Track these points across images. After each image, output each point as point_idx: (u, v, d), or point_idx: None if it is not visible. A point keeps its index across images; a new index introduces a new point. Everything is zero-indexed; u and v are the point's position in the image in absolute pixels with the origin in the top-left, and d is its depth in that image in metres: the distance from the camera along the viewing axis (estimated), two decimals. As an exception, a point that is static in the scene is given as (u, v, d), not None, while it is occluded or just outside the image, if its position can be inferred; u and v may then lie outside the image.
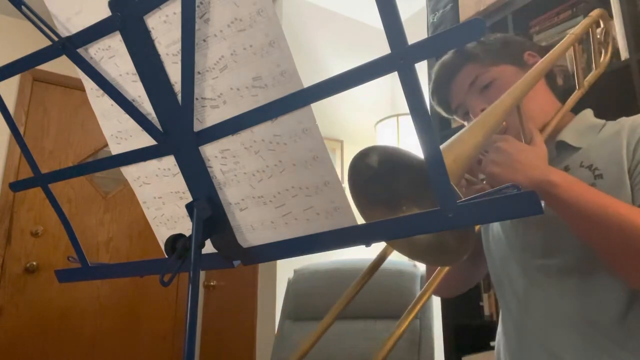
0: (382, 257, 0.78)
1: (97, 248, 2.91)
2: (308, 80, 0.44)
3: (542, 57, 0.88)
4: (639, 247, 0.65)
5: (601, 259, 0.72)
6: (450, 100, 0.93)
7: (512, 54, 0.90)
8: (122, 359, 2.81)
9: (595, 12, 1.00)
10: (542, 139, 0.77)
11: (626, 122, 0.81)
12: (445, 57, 0.94)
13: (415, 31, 1.75)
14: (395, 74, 0.40)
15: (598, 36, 1.03)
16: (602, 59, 1.04)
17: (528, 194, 0.38)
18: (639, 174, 0.74)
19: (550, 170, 0.70)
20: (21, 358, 2.59)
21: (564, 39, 0.91)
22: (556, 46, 0.87)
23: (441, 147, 0.55)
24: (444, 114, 0.97)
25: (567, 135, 0.84)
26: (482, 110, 0.82)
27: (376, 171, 0.62)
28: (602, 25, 1.05)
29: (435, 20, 1.86)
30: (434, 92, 0.96)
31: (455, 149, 0.67)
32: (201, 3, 0.46)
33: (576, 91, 0.93)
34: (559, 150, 0.85)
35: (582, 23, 0.97)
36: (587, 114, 0.90)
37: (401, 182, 0.63)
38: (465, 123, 0.93)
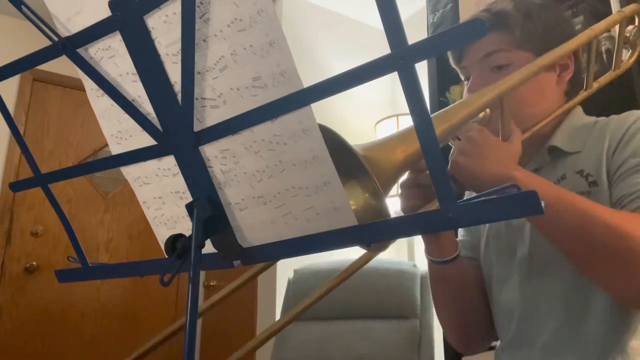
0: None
1: (97, 248, 2.91)
2: (308, 80, 0.44)
3: (575, 57, 0.83)
4: (601, 245, 0.63)
5: (571, 261, 0.70)
6: (463, 57, 0.87)
7: (547, 45, 0.80)
8: (122, 359, 2.81)
9: (630, 8, 0.90)
10: (520, 138, 0.74)
11: (612, 122, 0.78)
12: (482, 13, 0.85)
13: (415, 31, 1.75)
14: (395, 74, 0.40)
15: (627, 34, 0.93)
16: (625, 60, 0.95)
17: (528, 194, 0.38)
18: (616, 175, 0.72)
19: (514, 167, 0.68)
20: (21, 358, 2.59)
21: (579, 36, 0.82)
22: (564, 44, 0.80)
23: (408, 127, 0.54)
24: (451, 62, 0.90)
25: (558, 140, 0.81)
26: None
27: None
28: (637, 23, 0.95)
29: (435, 20, 1.86)
30: None
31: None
32: (201, 3, 0.46)
33: (582, 92, 0.86)
34: (552, 157, 0.81)
35: (609, 18, 0.87)
36: (578, 113, 0.86)
37: (345, 160, 0.62)
38: (466, 83, 0.87)
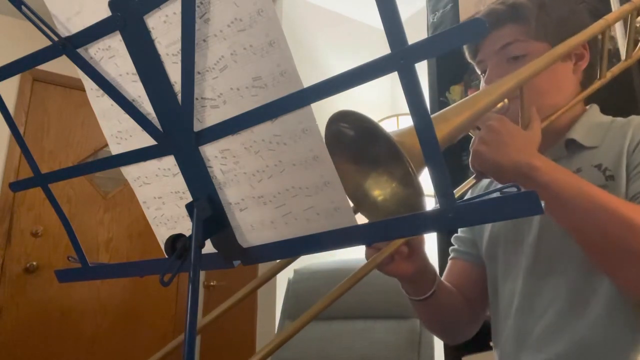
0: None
1: (97, 248, 2.91)
2: (308, 80, 0.44)
3: (590, 47, 0.84)
4: (616, 237, 0.63)
5: (585, 252, 0.70)
6: (479, 50, 0.88)
7: (562, 36, 0.80)
8: (122, 358, 2.81)
9: None
10: (540, 126, 0.75)
11: (634, 121, 0.79)
12: (498, 6, 0.86)
13: (415, 31, 1.75)
14: (395, 74, 0.40)
15: (638, 25, 0.94)
16: (636, 50, 0.96)
17: (528, 194, 0.38)
18: (635, 172, 0.73)
19: (535, 155, 0.68)
20: (21, 358, 2.59)
21: (593, 25, 0.82)
22: (579, 33, 0.81)
23: (432, 116, 0.56)
24: (467, 56, 0.92)
25: (576, 133, 0.82)
26: None
27: (349, 134, 0.62)
28: None
29: (435, 20, 1.86)
30: None
31: (441, 122, 0.67)
32: (201, 3, 0.46)
33: (596, 81, 0.87)
34: (570, 149, 0.82)
35: (621, 9, 0.88)
36: (595, 110, 0.88)
37: (373, 148, 0.63)
38: (482, 76, 0.88)
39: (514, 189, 0.39)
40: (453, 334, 0.98)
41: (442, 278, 0.97)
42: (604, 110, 0.88)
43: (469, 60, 0.92)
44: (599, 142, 0.80)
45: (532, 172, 0.66)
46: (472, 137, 0.74)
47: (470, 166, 0.72)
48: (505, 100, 0.78)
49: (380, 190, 0.66)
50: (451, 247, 1.02)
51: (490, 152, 0.68)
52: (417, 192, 0.59)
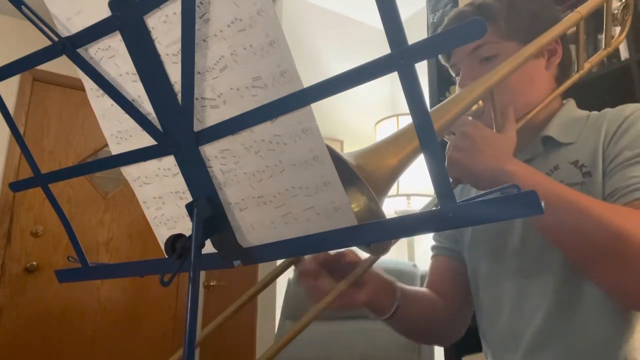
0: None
1: (97, 248, 2.91)
2: (308, 80, 0.44)
3: (563, 43, 0.84)
4: (596, 242, 0.63)
5: (568, 258, 0.70)
6: (451, 54, 0.88)
7: (534, 33, 0.79)
8: (122, 358, 2.81)
9: None
10: (515, 128, 0.74)
11: (607, 114, 0.79)
12: (466, 8, 0.86)
13: (415, 31, 1.75)
14: (395, 74, 0.40)
15: (615, 11, 0.92)
16: (615, 37, 0.93)
17: (528, 194, 0.38)
18: (610, 167, 0.72)
19: (510, 160, 0.68)
20: (21, 358, 2.59)
21: (566, 19, 0.81)
22: (551, 29, 0.79)
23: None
24: (441, 60, 0.91)
25: (553, 130, 0.81)
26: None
27: None
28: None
29: (435, 20, 1.86)
30: None
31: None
32: (201, 3, 0.46)
33: (573, 74, 0.86)
34: (546, 147, 0.82)
35: None
36: (572, 104, 0.87)
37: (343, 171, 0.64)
38: (457, 79, 0.87)
39: (514, 189, 0.39)
40: (434, 339, 0.99)
41: (426, 278, 0.97)
42: (603, 106, 0.87)
43: (443, 63, 0.91)
44: (575, 138, 0.79)
45: (507, 178, 0.64)
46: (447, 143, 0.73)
47: None
48: (480, 102, 0.77)
49: (355, 203, 0.67)
50: (432, 245, 1.01)
51: (465, 159, 0.68)
52: (380, 211, 0.61)
